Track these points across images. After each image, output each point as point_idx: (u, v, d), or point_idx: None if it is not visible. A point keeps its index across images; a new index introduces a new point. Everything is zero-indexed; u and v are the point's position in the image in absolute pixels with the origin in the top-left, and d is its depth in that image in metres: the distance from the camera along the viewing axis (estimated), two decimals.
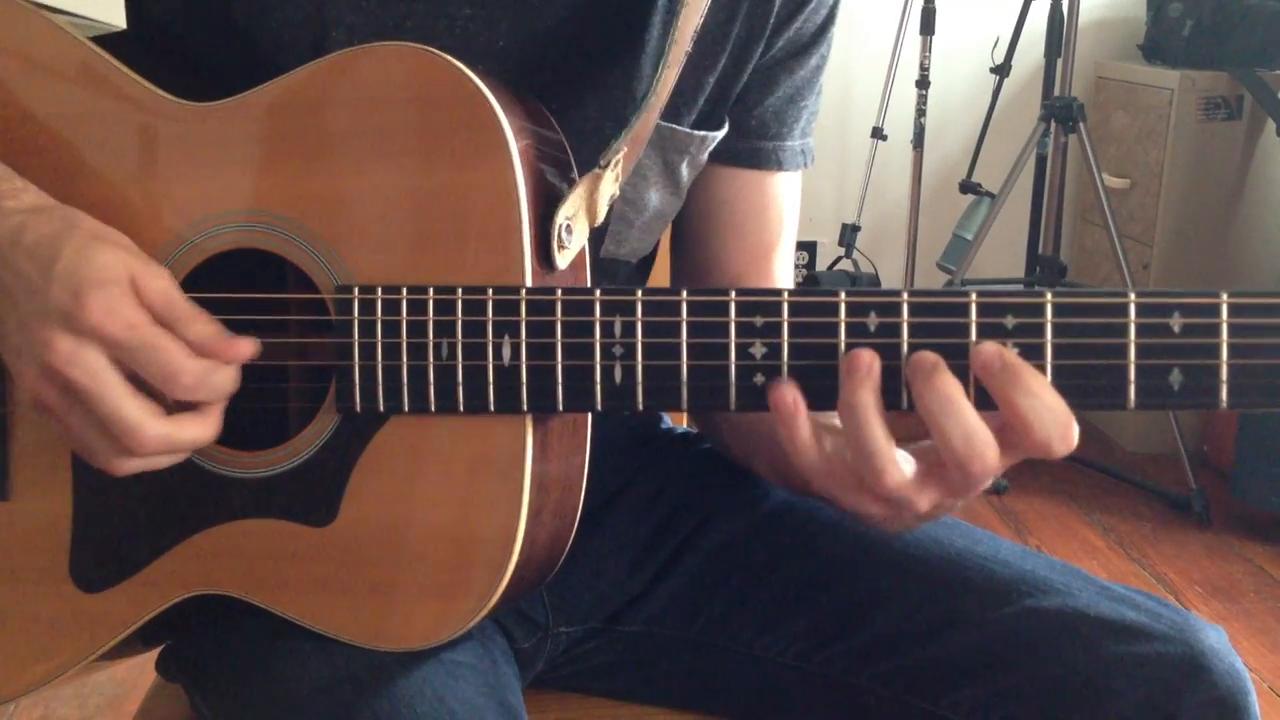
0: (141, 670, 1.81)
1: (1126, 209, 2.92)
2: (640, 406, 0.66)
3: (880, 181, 3.09)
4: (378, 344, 0.68)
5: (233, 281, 0.72)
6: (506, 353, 0.67)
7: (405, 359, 0.68)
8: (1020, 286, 2.79)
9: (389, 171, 0.69)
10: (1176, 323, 0.61)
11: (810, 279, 3.03)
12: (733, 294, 0.65)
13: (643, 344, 0.65)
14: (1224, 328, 0.60)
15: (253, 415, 0.72)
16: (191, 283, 0.72)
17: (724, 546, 0.91)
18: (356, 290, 0.69)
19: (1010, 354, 0.61)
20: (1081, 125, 2.60)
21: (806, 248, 3.26)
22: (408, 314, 0.68)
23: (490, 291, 0.67)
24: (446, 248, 0.68)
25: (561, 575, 0.78)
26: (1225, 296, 0.60)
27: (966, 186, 2.90)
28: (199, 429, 0.67)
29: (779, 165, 0.91)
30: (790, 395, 0.63)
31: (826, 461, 0.64)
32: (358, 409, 0.69)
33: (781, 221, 0.93)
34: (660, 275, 1.01)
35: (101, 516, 0.74)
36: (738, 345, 0.64)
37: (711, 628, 0.90)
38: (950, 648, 0.82)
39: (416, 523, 0.70)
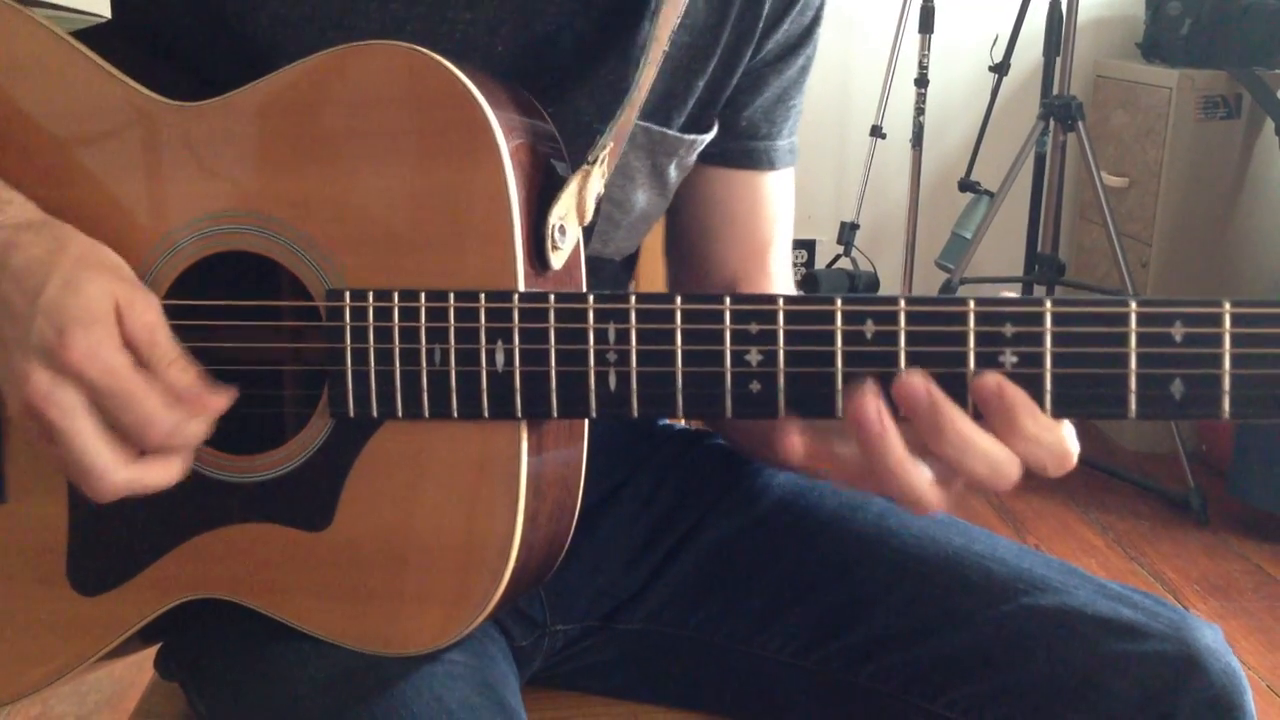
0: (140, 668, 1.80)
1: (1125, 207, 2.92)
2: (635, 413, 0.66)
3: (879, 180, 3.09)
4: (369, 349, 0.68)
5: (223, 285, 0.72)
6: (500, 359, 0.67)
7: (398, 364, 0.68)
8: (1019, 285, 2.79)
9: (379, 173, 0.68)
10: (1178, 332, 0.60)
11: (809, 277, 3.03)
12: (727, 300, 0.64)
13: (637, 351, 0.65)
14: (1227, 337, 0.59)
15: (247, 419, 0.72)
16: (181, 286, 0.71)
17: (721, 544, 0.91)
18: (348, 296, 0.68)
19: (1009, 389, 0.60)
20: (1080, 124, 2.60)
21: (805, 246, 3.26)
22: (400, 320, 0.68)
23: (483, 298, 0.66)
24: (438, 250, 0.68)
25: (559, 573, 0.78)
26: (1228, 306, 0.59)
27: (965, 185, 2.90)
28: (165, 473, 0.67)
29: (770, 165, 0.91)
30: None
31: (855, 476, 0.64)
32: (350, 414, 0.69)
33: (776, 218, 0.93)
34: (650, 273, 1.01)
35: (98, 520, 0.74)
36: (733, 352, 0.64)
37: (709, 626, 0.90)
38: (947, 646, 0.82)
39: (413, 528, 0.69)
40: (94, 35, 0.75)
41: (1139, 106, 2.92)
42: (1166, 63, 2.85)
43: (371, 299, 0.68)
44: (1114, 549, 2.44)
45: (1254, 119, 2.81)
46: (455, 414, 0.67)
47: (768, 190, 0.92)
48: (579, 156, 0.72)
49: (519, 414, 0.67)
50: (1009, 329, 0.61)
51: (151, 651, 0.86)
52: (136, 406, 0.64)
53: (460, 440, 0.68)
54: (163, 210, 0.72)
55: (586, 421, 0.74)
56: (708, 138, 0.87)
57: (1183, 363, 0.60)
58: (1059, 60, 2.70)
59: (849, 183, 3.15)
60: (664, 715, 0.93)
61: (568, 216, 0.70)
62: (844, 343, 0.63)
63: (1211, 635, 0.78)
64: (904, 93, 2.97)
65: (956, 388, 0.61)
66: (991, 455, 0.60)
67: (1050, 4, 2.69)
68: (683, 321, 0.65)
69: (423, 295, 0.67)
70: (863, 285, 3.03)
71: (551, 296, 0.66)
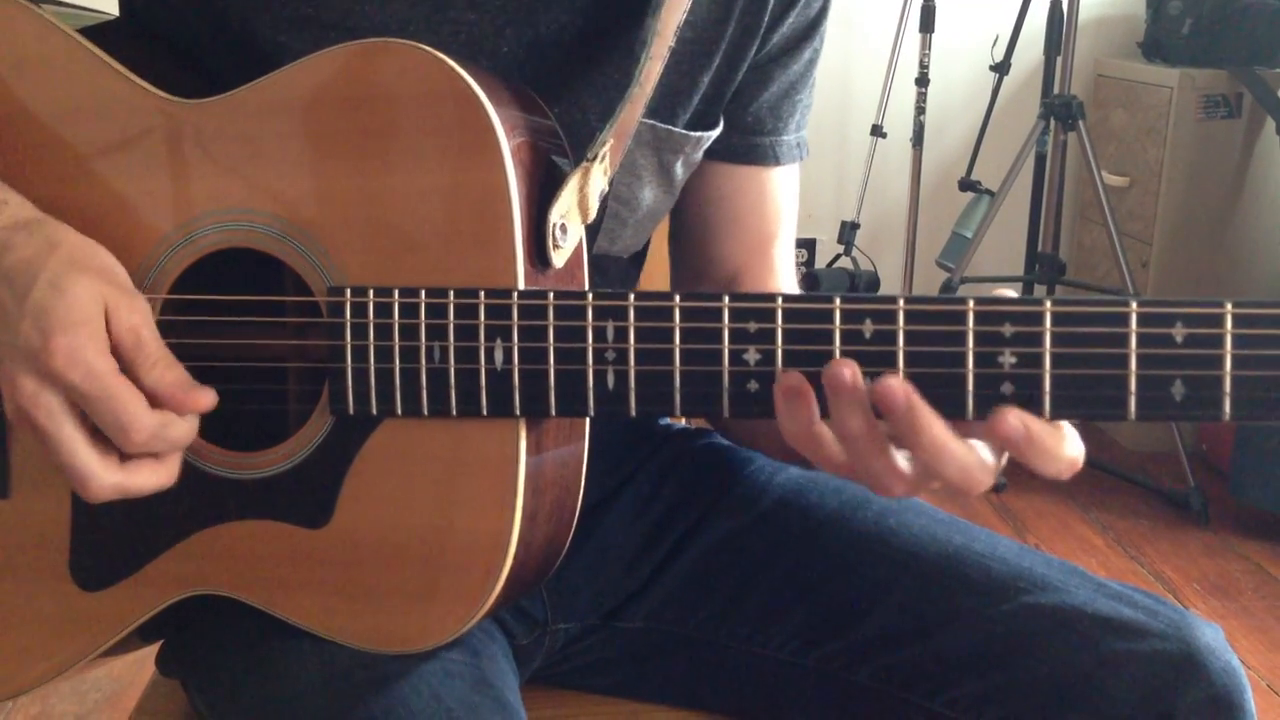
0: (140, 666, 1.81)
1: (1126, 207, 2.92)
2: (633, 411, 0.66)
3: (880, 179, 3.09)
4: (369, 347, 0.68)
5: (225, 281, 0.72)
6: (499, 357, 0.67)
7: (397, 362, 0.68)
8: (1019, 284, 2.79)
9: (381, 170, 0.68)
10: (1179, 333, 0.59)
11: (809, 277, 3.03)
12: (726, 299, 0.64)
13: (635, 349, 0.65)
14: (1228, 338, 0.58)
15: (248, 416, 0.72)
16: (185, 282, 0.72)
17: (722, 543, 0.91)
18: (348, 292, 0.68)
19: (1034, 425, 0.59)
20: (1081, 123, 2.59)
21: (806, 245, 3.26)
22: (400, 317, 0.68)
23: (482, 295, 0.66)
24: (439, 248, 0.68)
25: (560, 572, 0.79)
26: (1229, 306, 0.58)
27: (966, 184, 2.90)
28: (153, 477, 0.67)
29: (776, 160, 0.91)
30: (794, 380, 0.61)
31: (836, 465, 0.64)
32: (350, 411, 0.69)
33: (780, 214, 0.93)
34: (655, 270, 1.01)
35: (100, 516, 0.74)
36: (731, 351, 0.64)
37: (709, 624, 0.90)
38: (947, 644, 0.82)
39: (412, 525, 0.70)
40: (101, 32, 0.76)
41: (1140, 106, 2.92)
42: (1167, 62, 2.85)
43: (372, 296, 0.68)
44: (1114, 548, 2.44)
45: (1255, 118, 2.81)
46: (454, 412, 0.68)
47: (773, 186, 0.92)
48: (582, 154, 0.72)
49: (518, 412, 0.67)
50: (1008, 329, 0.61)
51: (152, 650, 0.86)
52: (119, 409, 0.64)
53: (459, 438, 0.68)
54: (167, 206, 0.72)
55: (587, 421, 0.74)
56: (714, 134, 0.86)
57: (1183, 363, 0.59)
58: (1059, 59, 2.70)
59: (849, 182, 3.15)
60: (664, 714, 0.93)
61: (569, 215, 0.70)
62: (843, 342, 0.62)
63: (1212, 634, 0.78)
64: (904, 92, 2.97)
65: (955, 388, 0.61)
66: (963, 461, 0.60)
67: (1051, 3, 2.69)
68: (681, 320, 0.64)
69: (423, 293, 0.67)
70: (863, 285, 3.03)
71: (550, 295, 0.66)
